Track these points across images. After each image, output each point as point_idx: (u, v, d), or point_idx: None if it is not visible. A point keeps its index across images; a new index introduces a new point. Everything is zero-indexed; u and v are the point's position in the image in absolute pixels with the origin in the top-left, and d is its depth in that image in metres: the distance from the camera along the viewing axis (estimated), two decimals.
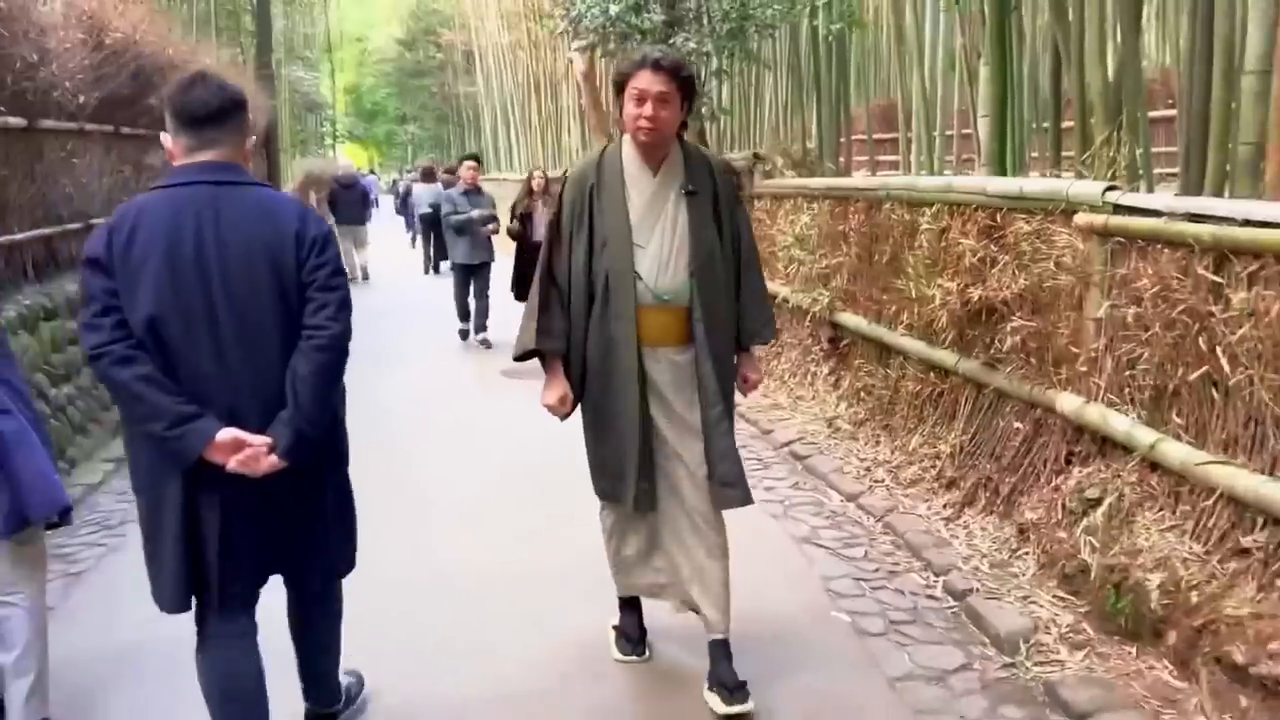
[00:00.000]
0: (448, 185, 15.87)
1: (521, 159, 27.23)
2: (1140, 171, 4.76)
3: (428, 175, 18.18)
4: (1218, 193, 4.06)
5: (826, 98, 8.90)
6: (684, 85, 3.02)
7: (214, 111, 2.55)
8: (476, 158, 9.41)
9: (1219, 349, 3.15)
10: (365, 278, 15.79)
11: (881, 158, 11.14)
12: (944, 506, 4.68)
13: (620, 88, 3.07)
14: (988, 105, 5.81)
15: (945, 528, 4.50)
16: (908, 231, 5.40)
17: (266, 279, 2.50)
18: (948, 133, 9.13)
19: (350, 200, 16.02)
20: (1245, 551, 3.05)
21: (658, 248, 3.08)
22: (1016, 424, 4.43)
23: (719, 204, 3.16)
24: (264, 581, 2.72)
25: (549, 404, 3.18)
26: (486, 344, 9.58)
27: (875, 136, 10.88)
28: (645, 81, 2.98)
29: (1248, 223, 3.06)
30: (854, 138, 10.29)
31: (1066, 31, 5.08)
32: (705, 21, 8.72)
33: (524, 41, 25.21)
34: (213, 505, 2.52)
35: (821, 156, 8.83)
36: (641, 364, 3.07)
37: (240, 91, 2.62)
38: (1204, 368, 3.23)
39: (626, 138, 3.14)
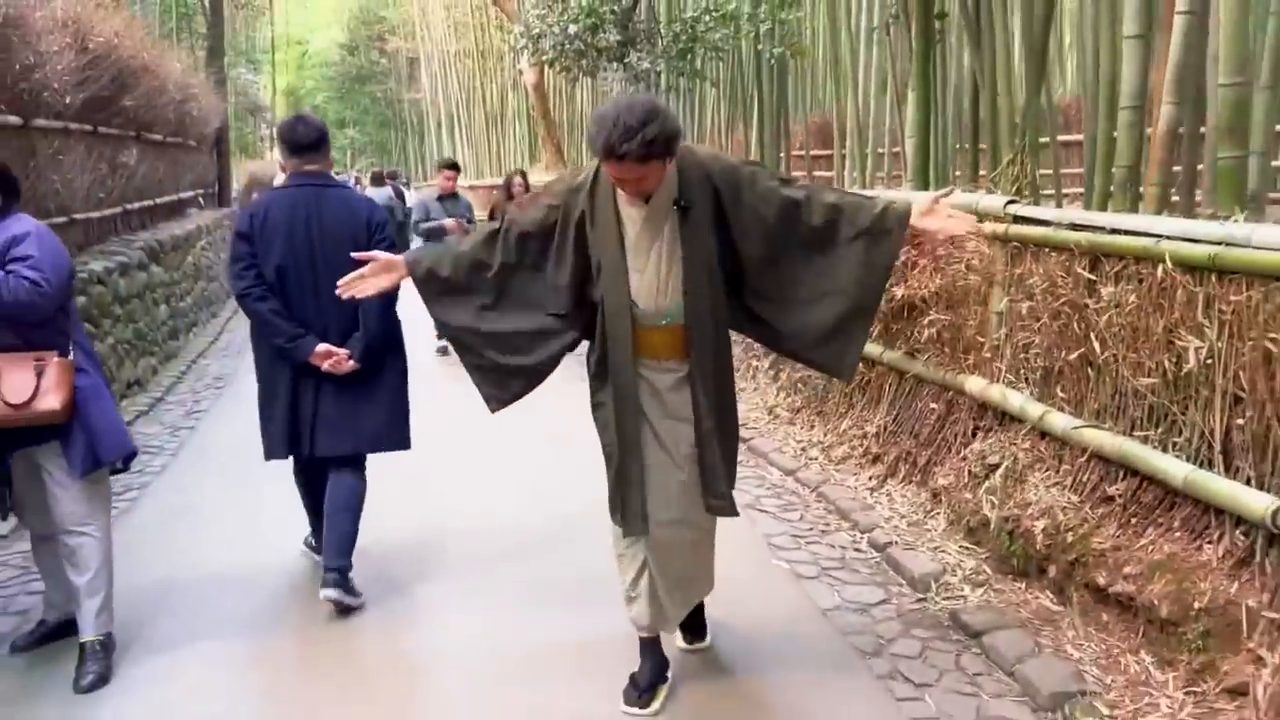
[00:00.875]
0: (397, 192, 16.26)
1: (467, 164, 27.64)
2: (1047, 189, 5.48)
3: (377, 179, 18.62)
4: (1104, 207, 4.77)
5: (768, 115, 9.60)
6: (660, 154, 2.82)
7: (312, 141, 3.93)
8: (455, 165, 9.45)
9: (1092, 334, 3.84)
10: None
11: (818, 173, 11.86)
12: (870, 479, 5.33)
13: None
14: (914, 127, 6.50)
15: (870, 495, 5.14)
16: None
17: (348, 247, 3.62)
18: (880, 150, 9.87)
19: None
20: (1110, 499, 3.72)
21: (654, 272, 3.01)
22: (932, 405, 5.10)
23: (723, 207, 3.01)
24: (341, 444, 3.96)
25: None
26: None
27: (812, 152, 11.62)
28: (616, 172, 2.87)
29: (1115, 231, 3.75)
30: (792, 153, 10.99)
31: (981, 65, 5.79)
32: (657, 42, 9.35)
33: (471, 49, 25.70)
34: (309, 389, 3.90)
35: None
36: (637, 383, 3.08)
37: (324, 125, 3.94)
38: (1081, 349, 3.92)
39: None
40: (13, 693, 3.32)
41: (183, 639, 3.70)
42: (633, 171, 2.82)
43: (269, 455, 3.97)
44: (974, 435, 4.72)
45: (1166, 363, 3.47)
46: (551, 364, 3.23)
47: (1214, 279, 3.24)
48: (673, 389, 3.11)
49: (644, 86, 9.30)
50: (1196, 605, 3.17)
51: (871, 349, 5.67)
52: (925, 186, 6.34)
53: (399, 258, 3.18)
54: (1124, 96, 4.30)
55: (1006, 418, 4.48)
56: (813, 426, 6.25)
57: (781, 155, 10.18)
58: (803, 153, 11.31)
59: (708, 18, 9.18)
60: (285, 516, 4.63)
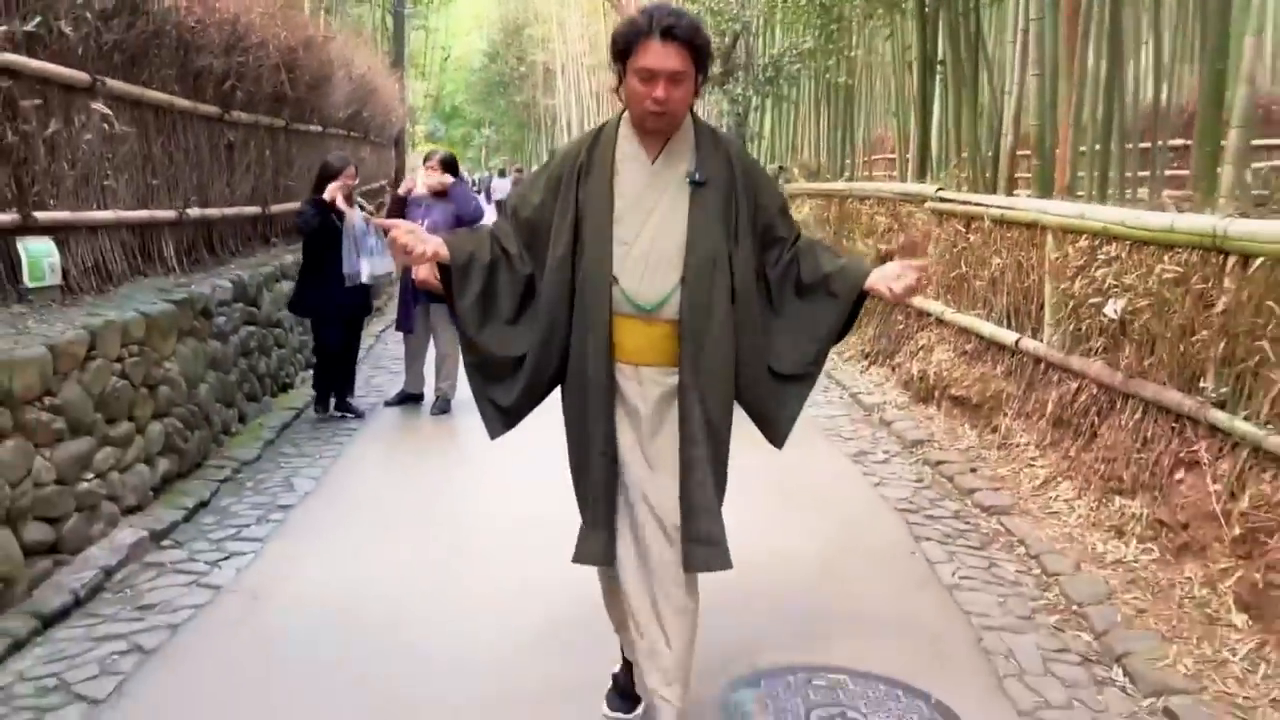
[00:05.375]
0: (516, 182, 20.03)
1: None
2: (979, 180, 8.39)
3: (501, 173, 22.76)
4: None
5: (834, 128, 12.61)
6: (699, 55, 2.48)
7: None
8: None
9: (963, 261, 6.82)
10: None
11: (877, 173, 14.77)
12: (860, 367, 8.38)
13: (621, 55, 2.51)
14: (916, 140, 9.46)
15: (860, 375, 8.19)
16: (856, 215, 9.11)
17: None
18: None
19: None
20: (965, 352, 6.72)
21: (646, 247, 2.57)
22: (899, 317, 8.11)
23: (736, 198, 2.59)
24: None
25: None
26: None
27: (873, 157, 14.52)
28: (654, 58, 2.44)
29: (976, 204, 6.72)
30: (859, 159, 13.95)
31: (959, 98, 8.71)
32: (749, 72, 12.45)
33: (602, 61, 29.17)
34: None
35: (828, 168, 12.54)
36: (613, 385, 2.60)
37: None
38: (959, 270, 6.90)
39: (626, 115, 2.64)
40: (396, 416, 6.72)
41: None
42: (677, 59, 2.44)
43: None
44: (917, 331, 7.72)
45: (988, 273, 6.45)
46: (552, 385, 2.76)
47: (1003, 226, 6.22)
48: (656, 407, 2.62)
49: (740, 107, 12.38)
50: (988, 394, 6.17)
51: None
52: (921, 180, 9.29)
53: (432, 236, 2.62)
54: (1005, 125, 7.25)
55: (931, 317, 7.48)
56: None
57: (849, 161, 13.17)
58: (867, 156, 14.27)
59: (790, 53, 12.18)
60: None
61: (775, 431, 2.82)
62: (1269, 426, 3.68)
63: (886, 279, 2.61)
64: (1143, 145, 9.05)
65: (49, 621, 3.53)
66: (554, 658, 3.40)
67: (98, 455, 4.23)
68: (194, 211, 6.45)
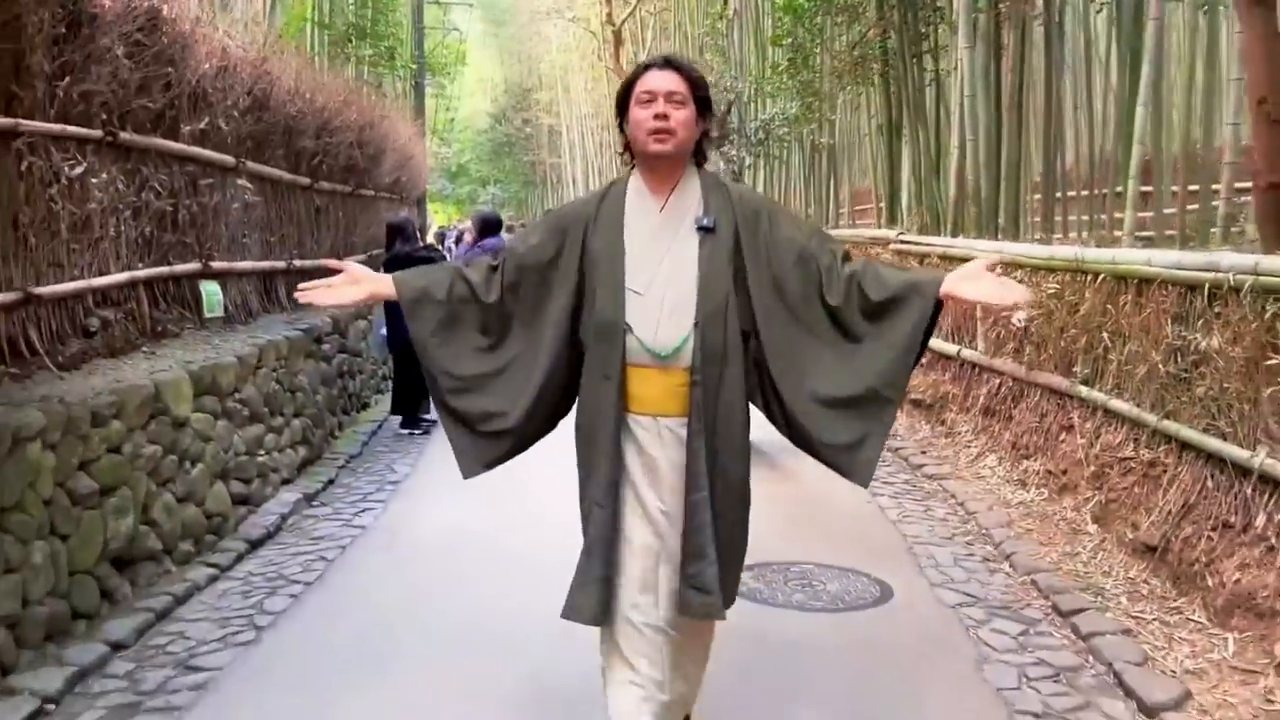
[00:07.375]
0: None
1: None
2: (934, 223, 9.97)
3: (509, 229, 24.79)
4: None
5: (819, 183, 14.27)
6: (697, 89, 2.57)
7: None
8: None
9: None
10: None
11: (859, 222, 16.43)
12: None
13: (624, 102, 2.61)
14: (884, 191, 11.07)
15: None
16: None
17: None
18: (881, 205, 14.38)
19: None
20: (922, 364, 8.22)
21: (659, 294, 2.55)
22: None
23: (740, 242, 2.56)
24: None
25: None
26: None
27: (856, 208, 16.17)
28: (653, 80, 2.54)
29: (928, 244, 8.28)
30: (840, 210, 15.60)
31: (917, 157, 10.32)
32: (742, 135, 14.12)
33: (607, 122, 31.08)
34: None
35: (815, 218, 14.16)
36: (619, 437, 2.56)
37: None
38: None
39: (635, 170, 2.68)
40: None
41: None
42: (675, 82, 2.54)
43: None
44: None
45: None
46: (548, 425, 2.76)
47: (947, 261, 7.77)
48: (675, 452, 2.56)
49: (735, 167, 14.02)
50: (938, 395, 7.66)
51: None
52: (892, 226, 10.88)
53: (385, 275, 2.70)
54: (952, 183, 8.85)
55: None
56: None
57: (833, 211, 14.79)
58: (846, 207, 15.94)
59: (778, 118, 13.84)
60: None
61: (852, 464, 2.56)
62: (1112, 393, 5.19)
63: (967, 278, 2.47)
64: (1083, 193, 10.65)
65: (255, 545, 5.04)
66: None
67: (266, 438, 5.76)
68: (298, 262, 8.03)
